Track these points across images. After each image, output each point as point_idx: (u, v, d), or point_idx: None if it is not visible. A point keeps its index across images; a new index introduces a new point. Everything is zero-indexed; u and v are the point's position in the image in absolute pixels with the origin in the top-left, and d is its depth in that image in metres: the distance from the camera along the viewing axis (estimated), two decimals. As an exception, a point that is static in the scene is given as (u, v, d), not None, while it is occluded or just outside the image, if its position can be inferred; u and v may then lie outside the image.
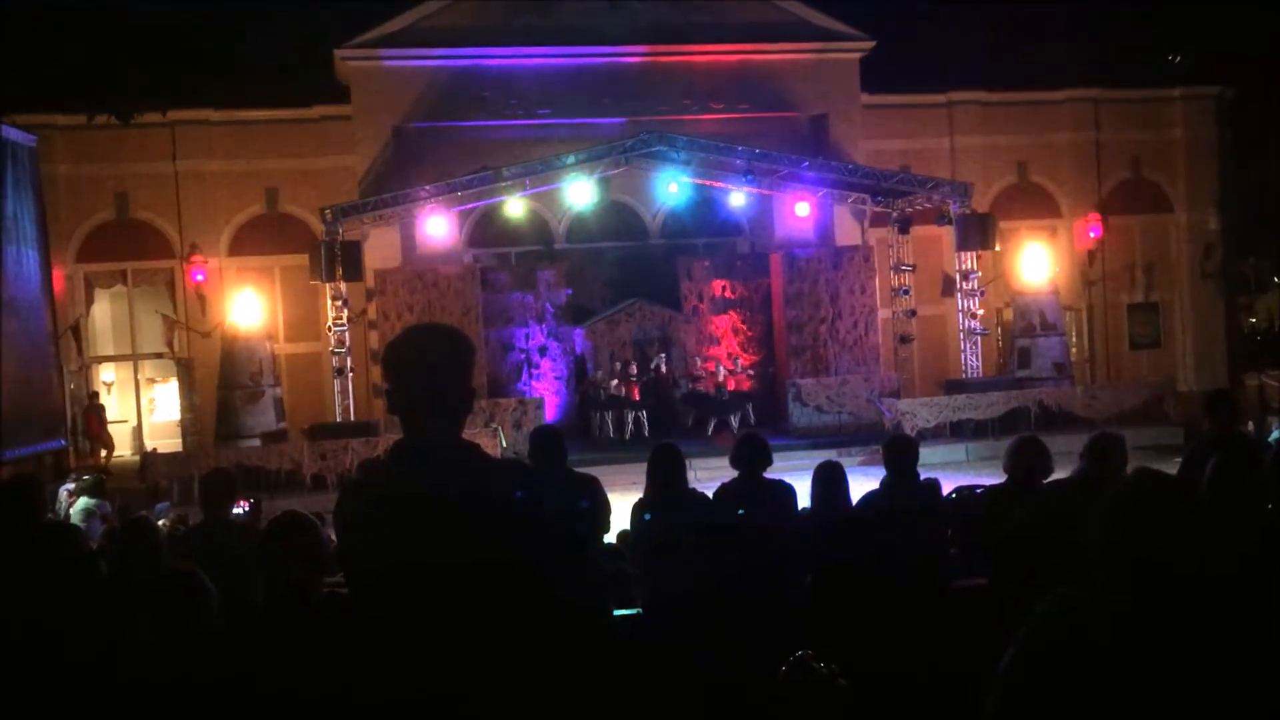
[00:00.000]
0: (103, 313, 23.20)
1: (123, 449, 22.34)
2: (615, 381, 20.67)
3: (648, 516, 5.61)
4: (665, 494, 5.71)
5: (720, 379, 20.87)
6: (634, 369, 20.94)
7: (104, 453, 21.34)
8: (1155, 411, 20.23)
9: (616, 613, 5.86)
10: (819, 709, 2.83)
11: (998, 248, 22.27)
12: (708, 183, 21.66)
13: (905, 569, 5.18)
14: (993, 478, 8.44)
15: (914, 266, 22.33)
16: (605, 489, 6.05)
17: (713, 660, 4.37)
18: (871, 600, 5.12)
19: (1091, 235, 25.33)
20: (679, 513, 5.61)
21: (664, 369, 21.64)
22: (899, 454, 5.75)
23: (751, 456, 5.98)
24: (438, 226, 20.25)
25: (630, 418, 20.39)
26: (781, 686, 2.87)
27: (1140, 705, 2.21)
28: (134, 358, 23.34)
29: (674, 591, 4.83)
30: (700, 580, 4.82)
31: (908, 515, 5.37)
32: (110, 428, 21.82)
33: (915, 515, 5.41)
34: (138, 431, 23.20)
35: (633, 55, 22.43)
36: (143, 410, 23.59)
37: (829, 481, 5.88)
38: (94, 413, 21.59)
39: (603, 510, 6.00)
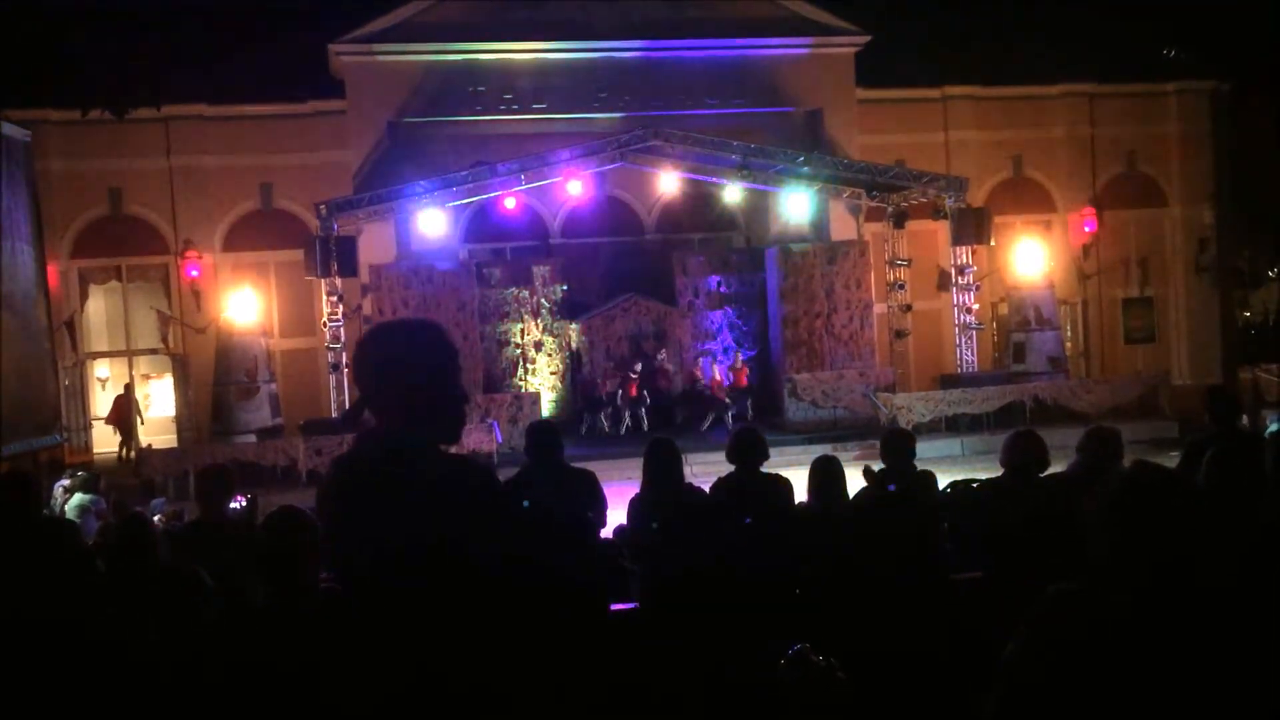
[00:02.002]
0: (97, 309, 23.17)
1: (115, 445, 22.30)
2: (615, 381, 20.61)
3: (654, 525, 5.57)
4: (662, 489, 5.70)
5: (724, 385, 20.82)
6: (636, 367, 20.88)
7: (127, 442, 21.45)
8: (1150, 406, 20.24)
9: (613, 607, 5.88)
10: (818, 702, 2.83)
11: (993, 242, 22.28)
12: (703, 178, 21.66)
13: (903, 562, 5.19)
14: (988, 472, 8.45)
15: (909, 261, 22.34)
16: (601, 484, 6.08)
17: (712, 652, 4.38)
18: (869, 593, 5.13)
19: (1086, 230, 25.37)
20: (677, 507, 5.61)
21: (667, 366, 21.62)
22: (897, 447, 5.75)
23: (748, 451, 5.97)
24: (433, 222, 20.20)
25: (628, 415, 20.36)
26: (781, 679, 2.88)
27: (1140, 700, 2.22)
28: (128, 354, 23.29)
29: (672, 585, 4.84)
30: (700, 573, 4.83)
31: (905, 508, 5.38)
32: (104, 424, 21.92)
33: (913, 508, 5.42)
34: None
35: (628, 50, 22.42)
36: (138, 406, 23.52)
37: (826, 476, 5.88)
38: (125, 403, 21.73)
39: (600, 506, 6.01)
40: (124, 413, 21.77)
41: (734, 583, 4.60)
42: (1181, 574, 2.21)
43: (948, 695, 3.60)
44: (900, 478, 5.56)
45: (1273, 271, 30.30)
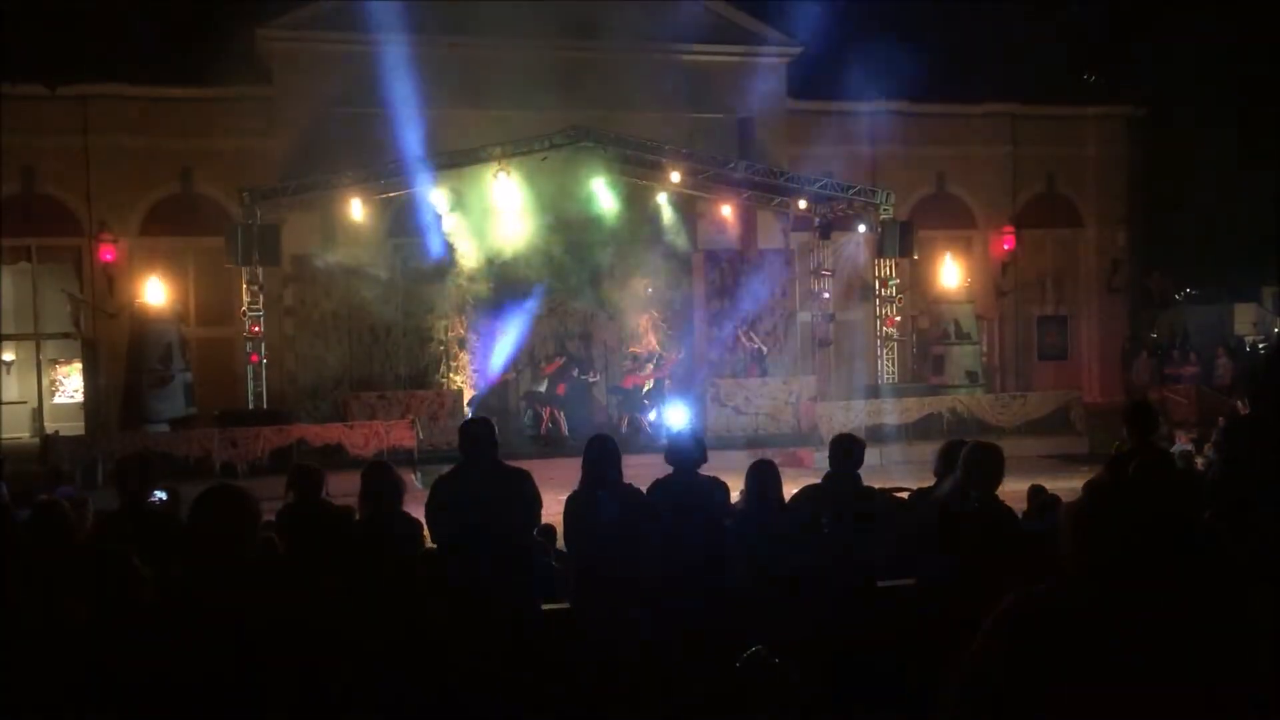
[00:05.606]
0: (5, 290, 22.41)
1: (21, 431, 21.61)
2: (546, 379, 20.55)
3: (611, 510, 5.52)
4: (600, 487, 5.67)
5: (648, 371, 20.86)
6: (573, 368, 20.80)
7: None
8: (1062, 421, 20.71)
9: (545, 607, 5.84)
10: (773, 703, 2.83)
11: (916, 256, 22.62)
12: (634, 180, 21.65)
13: (842, 565, 5.23)
14: (907, 480, 8.64)
15: (833, 271, 22.59)
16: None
17: (650, 652, 4.36)
18: (804, 595, 5.16)
19: (1005, 247, 25.90)
20: (616, 507, 5.59)
21: (595, 377, 21.54)
22: (845, 451, 5.79)
23: (687, 452, 5.97)
24: (358, 213, 19.91)
25: (548, 414, 20.26)
26: (737, 680, 2.88)
27: (1097, 696, 2.26)
28: (36, 337, 22.57)
29: (612, 585, 4.82)
30: (638, 576, 4.81)
31: (846, 513, 5.42)
32: (7, 409, 21.15)
33: (853, 513, 5.47)
34: (38, 413, 22.45)
35: (563, 49, 22.27)
36: (44, 392, 22.84)
37: (763, 479, 5.90)
38: None
39: (535, 503, 5.97)
40: None
41: (675, 582, 4.59)
42: (1141, 575, 2.25)
43: (892, 694, 3.65)
44: (845, 481, 5.59)
45: (1179, 295, 31.25)
